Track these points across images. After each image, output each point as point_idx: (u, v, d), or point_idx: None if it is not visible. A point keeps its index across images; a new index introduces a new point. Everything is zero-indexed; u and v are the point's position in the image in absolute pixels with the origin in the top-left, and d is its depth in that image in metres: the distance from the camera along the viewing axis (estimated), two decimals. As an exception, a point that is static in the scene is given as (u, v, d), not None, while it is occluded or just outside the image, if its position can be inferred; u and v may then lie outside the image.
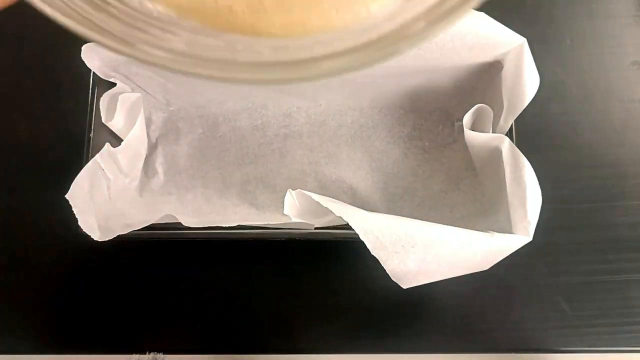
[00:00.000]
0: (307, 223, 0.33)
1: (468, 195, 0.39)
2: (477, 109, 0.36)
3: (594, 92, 0.44)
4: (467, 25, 0.34)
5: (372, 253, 0.29)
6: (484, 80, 0.38)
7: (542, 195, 0.41)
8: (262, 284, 0.41)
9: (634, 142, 0.43)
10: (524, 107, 0.34)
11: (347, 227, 0.35)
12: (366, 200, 0.41)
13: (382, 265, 0.30)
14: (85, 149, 0.36)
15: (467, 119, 0.36)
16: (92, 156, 0.35)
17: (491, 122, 0.37)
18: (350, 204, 0.33)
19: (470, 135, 0.36)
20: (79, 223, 0.32)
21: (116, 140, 0.38)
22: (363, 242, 0.30)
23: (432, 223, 0.30)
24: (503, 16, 0.42)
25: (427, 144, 0.42)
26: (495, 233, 0.30)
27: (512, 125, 0.36)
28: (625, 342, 0.39)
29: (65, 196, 0.32)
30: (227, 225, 0.34)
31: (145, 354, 0.37)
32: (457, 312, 0.40)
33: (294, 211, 0.32)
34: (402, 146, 0.42)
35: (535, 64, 0.44)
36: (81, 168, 0.34)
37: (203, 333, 0.40)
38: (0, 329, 0.41)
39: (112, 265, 0.41)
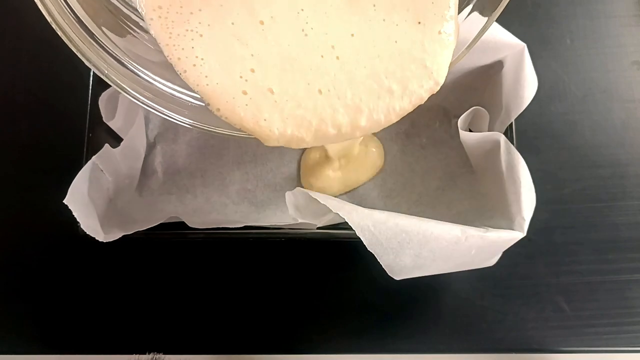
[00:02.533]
0: (309, 223, 0.33)
1: (465, 192, 0.39)
2: (473, 111, 0.37)
3: (594, 92, 0.44)
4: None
5: (368, 248, 0.29)
6: (482, 80, 0.38)
7: (543, 195, 0.41)
8: (262, 284, 0.41)
9: (634, 142, 0.43)
10: (520, 112, 0.35)
11: (347, 227, 0.35)
12: (364, 197, 0.41)
13: (378, 260, 0.30)
14: (84, 149, 0.36)
15: (462, 120, 0.36)
16: (92, 156, 0.35)
17: (487, 124, 0.37)
18: (348, 200, 0.33)
19: (465, 136, 0.36)
20: (82, 227, 0.31)
21: (115, 140, 0.38)
22: (362, 242, 0.30)
23: (427, 219, 0.30)
24: (503, 16, 0.42)
25: (424, 140, 0.42)
26: (490, 228, 0.30)
27: (512, 125, 0.36)
28: (625, 342, 0.39)
29: (64, 201, 0.31)
30: (231, 226, 0.34)
31: (145, 354, 0.37)
32: (457, 312, 0.40)
33: (297, 211, 0.32)
34: (399, 142, 0.42)
35: (536, 64, 0.43)
36: (81, 168, 0.34)
37: (203, 333, 0.40)
38: (0, 329, 0.41)
39: (112, 265, 0.41)
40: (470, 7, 0.27)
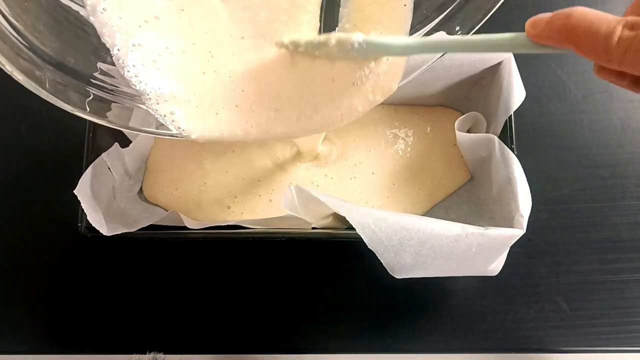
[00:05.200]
0: (305, 221, 0.33)
1: (463, 198, 0.40)
2: (471, 115, 0.38)
3: (594, 92, 0.44)
4: None
5: (369, 246, 0.29)
6: (476, 91, 0.39)
7: (543, 195, 0.42)
8: (262, 284, 0.41)
9: (634, 142, 0.43)
10: (508, 116, 0.35)
11: (345, 227, 0.35)
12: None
13: (379, 258, 0.30)
14: (85, 149, 0.36)
15: (459, 122, 0.37)
16: (92, 157, 0.35)
17: (484, 130, 0.37)
18: None
19: (461, 137, 0.37)
20: (88, 218, 0.32)
21: (116, 141, 0.38)
22: (362, 241, 0.30)
23: (427, 218, 0.31)
24: (504, 16, 0.42)
25: None
26: (490, 227, 0.31)
27: (512, 125, 0.36)
28: (625, 342, 0.39)
29: (74, 192, 0.32)
30: (226, 224, 0.34)
31: (145, 353, 0.37)
32: (457, 312, 0.40)
33: (292, 206, 0.32)
34: None
35: (536, 64, 0.44)
36: (81, 169, 0.34)
37: (203, 333, 0.40)
38: (0, 329, 0.41)
39: (113, 265, 0.41)
40: (431, 26, 0.29)
